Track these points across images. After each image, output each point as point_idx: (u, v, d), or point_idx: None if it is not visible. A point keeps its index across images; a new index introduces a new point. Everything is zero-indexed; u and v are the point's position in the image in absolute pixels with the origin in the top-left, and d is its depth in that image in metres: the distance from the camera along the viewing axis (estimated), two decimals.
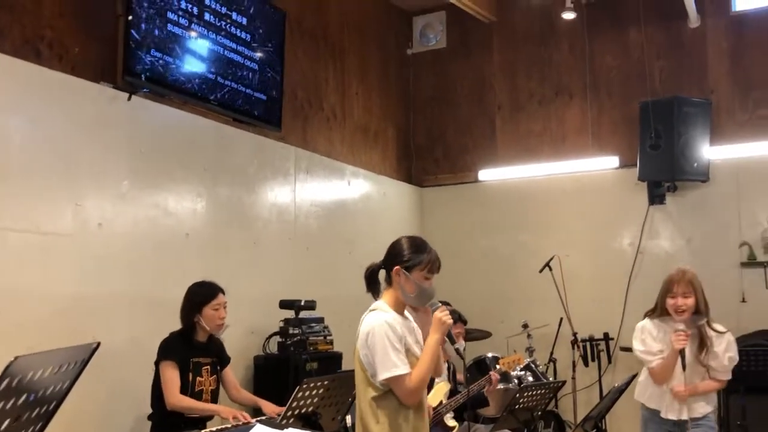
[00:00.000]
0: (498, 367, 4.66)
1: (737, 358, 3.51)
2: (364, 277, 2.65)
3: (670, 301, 3.39)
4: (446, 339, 2.59)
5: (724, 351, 3.44)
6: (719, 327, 3.48)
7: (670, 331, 3.40)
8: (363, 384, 2.53)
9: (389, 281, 2.61)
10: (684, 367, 3.31)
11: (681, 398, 3.41)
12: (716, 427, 3.61)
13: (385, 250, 2.65)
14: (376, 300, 2.62)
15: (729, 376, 3.51)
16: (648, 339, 3.51)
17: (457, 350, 2.62)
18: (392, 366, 2.44)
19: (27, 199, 3.37)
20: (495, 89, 6.55)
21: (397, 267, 2.55)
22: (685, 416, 3.42)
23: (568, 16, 5.90)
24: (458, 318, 4.63)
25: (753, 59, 5.58)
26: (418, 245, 2.62)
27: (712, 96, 5.65)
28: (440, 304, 2.60)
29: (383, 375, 2.44)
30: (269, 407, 3.63)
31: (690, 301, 3.36)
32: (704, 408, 3.49)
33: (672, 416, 3.45)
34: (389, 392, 2.48)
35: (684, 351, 3.31)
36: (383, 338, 2.45)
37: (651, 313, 3.54)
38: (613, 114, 6.04)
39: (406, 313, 2.65)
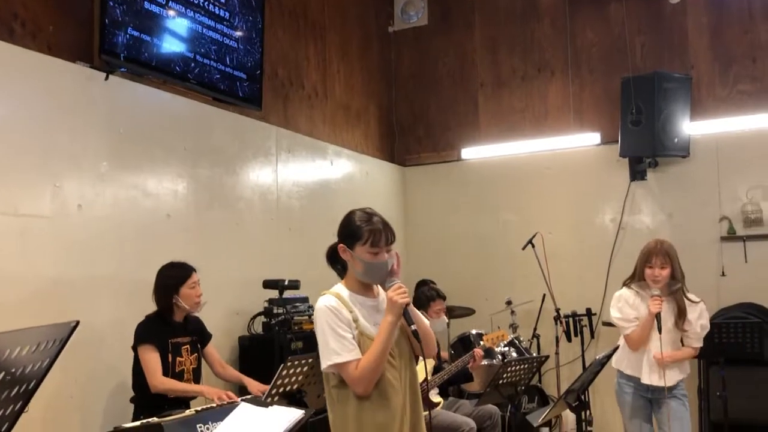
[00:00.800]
0: (482, 343, 4.70)
1: (709, 326, 3.73)
2: (327, 261, 2.51)
3: (647, 271, 3.62)
4: (404, 319, 2.34)
5: (697, 319, 3.65)
6: (693, 297, 3.69)
7: (646, 299, 3.61)
8: (324, 371, 2.40)
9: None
10: (660, 330, 3.47)
11: (660, 364, 3.57)
12: (686, 393, 3.78)
13: None
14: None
15: (701, 344, 3.70)
16: (625, 307, 3.71)
17: (414, 332, 2.32)
18: (332, 353, 2.28)
19: (4, 182, 3.31)
20: (477, 66, 6.53)
21: (340, 245, 2.40)
22: (663, 383, 3.58)
23: None
24: (436, 294, 4.66)
25: (733, 34, 5.60)
26: (362, 218, 2.38)
27: (692, 71, 5.67)
28: (396, 282, 2.34)
29: (324, 363, 2.31)
30: (254, 385, 3.64)
31: (666, 272, 3.58)
32: (678, 375, 3.69)
33: (652, 382, 3.63)
34: (344, 381, 2.33)
35: (659, 315, 3.50)
36: (323, 325, 2.31)
37: (629, 281, 3.75)
38: (595, 90, 6.06)
39: (380, 290, 2.46)
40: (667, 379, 3.61)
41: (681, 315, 3.63)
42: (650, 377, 3.64)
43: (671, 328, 3.62)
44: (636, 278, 3.71)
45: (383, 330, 2.31)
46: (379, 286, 2.47)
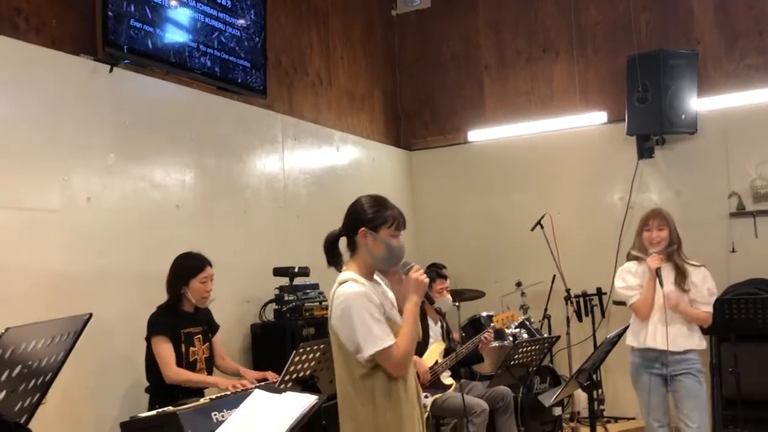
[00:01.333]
0: (492, 324, 4.71)
1: (716, 290, 3.73)
2: (324, 249, 2.46)
3: (645, 234, 3.70)
4: (425, 300, 2.42)
5: (702, 282, 3.68)
6: (694, 261, 3.74)
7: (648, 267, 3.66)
8: (344, 363, 2.35)
9: (353, 247, 2.43)
10: (662, 284, 3.55)
11: (671, 304, 3.57)
12: (702, 370, 3.72)
13: None
14: (339, 272, 2.44)
15: (710, 309, 3.69)
16: (627, 276, 3.78)
17: (438, 310, 2.48)
18: (377, 339, 2.26)
19: (12, 177, 3.33)
20: (482, 48, 6.50)
21: (362, 229, 2.37)
22: (669, 346, 3.57)
23: None
24: (436, 275, 4.68)
25: (738, 8, 5.54)
26: (380, 202, 2.43)
27: (698, 47, 5.62)
28: (413, 264, 2.41)
29: (370, 350, 2.26)
30: (250, 374, 3.67)
31: (664, 233, 3.66)
32: (688, 343, 3.65)
33: (657, 345, 3.61)
34: (377, 367, 2.31)
35: (659, 271, 3.59)
36: (361, 312, 2.27)
37: (632, 249, 3.83)
38: (600, 69, 6.01)
39: (376, 277, 2.48)
40: (676, 344, 3.59)
41: (680, 274, 3.66)
42: (656, 339, 3.62)
43: (674, 288, 3.63)
44: (637, 245, 3.78)
45: (411, 311, 2.36)
46: (376, 275, 2.47)
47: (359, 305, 2.29)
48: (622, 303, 5.51)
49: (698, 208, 5.55)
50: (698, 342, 3.72)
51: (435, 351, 4.47)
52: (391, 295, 2.48)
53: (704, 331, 4.57)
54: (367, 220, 2.39)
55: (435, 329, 4.62)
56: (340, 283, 2.37)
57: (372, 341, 2.27)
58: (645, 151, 5.74)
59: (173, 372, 3.38)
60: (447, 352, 4.47)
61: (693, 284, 3.66)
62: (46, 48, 3.57)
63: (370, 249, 2.39)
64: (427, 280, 2.39)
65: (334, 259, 2.47)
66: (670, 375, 3.67)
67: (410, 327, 2.34)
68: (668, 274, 3.67)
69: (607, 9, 5.98)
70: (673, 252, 3.69)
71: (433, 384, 4.35)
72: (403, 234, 2.45)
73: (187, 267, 3.54)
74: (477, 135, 6.46)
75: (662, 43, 5.63)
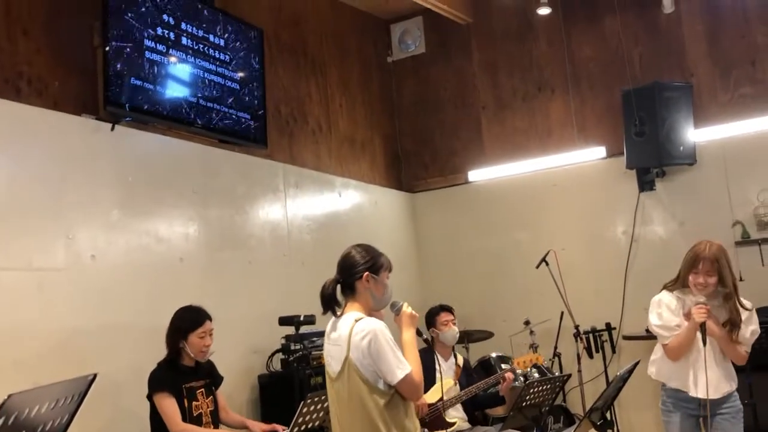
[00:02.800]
0: (513, 365, 4.65)
1: (759, 330, 3.34)
2: (321, 297, 2.66)
3: (691, 278, 3.27)
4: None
5: (746, 324, 3.29)
6: (747, 303, 3.34)
7: (689, 305, 3.27)
8: (367, 394, 2.52)
9: (351, 292, 2.67)
10: (704, 341, 3.13)
11: (700, 315, 3.16)
12: (741, 407, 3.39)
13: None
14: (335, 316, 2.68)
15: (749, 350, 3.34)
16: (665, 312, 3.35)
17: (426, 340, 2.82)
18: (403, 365, 2.50)
19: (18, 237, 3.36)
20: (478, 89, 6.58)
21: (366, 273, 2.63)
22: (712, 395, 3.22)
23: (544, 11, 5.94)
24: (440, 308, 4.70)
25: (730, 39, 5.62)
26: (373, 249, 2.73)
27: (692, 79, 5.68)
28: (402, 302, 2.70)
29: (399, 376, 2.48)
30: (257, 426, 3.63)
31: (713, 281, 3.23)
32: (727, 386, 3.31)
33: (700, 395, 3.23)
34: (394, 395, 2.53)
35: (704, 325, 3.15)
36: (386, 342, 2.50)
37: (672, 285, 3.40)
38: (596, 104, 6.07)
39: None
40: (717, 390, 3.25)
41: (732, 327, 3.26)
42: (698, 388, 3.24)
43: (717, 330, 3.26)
44: (680, 284, 3.35)
45: (411, 342, 2.63)
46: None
47: (383, 336, 2.51)
48: (632, 338, 5.52)
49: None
50: (736, 380, 3.38)
51: (438, 390, 4.41)
52: None
53: None
54: (369, 265, 2.65)
55: (445, 365, 4.58)
56: (357, 320, 2.56)
57: (400, 366, 2.50)
58: (646, 184, 5.76)
59: (180, 428, 3.34)
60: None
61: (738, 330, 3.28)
62: (49, 110, 3.63)
63: (372, 291, 2.65)
64: (417, 315, 2.69)
65: (330, 306, 2.67)
66: (708, 416, 3.29)
67: (415, 355, 2.58)
68: (718, 317, 3.28)
69: (600, 46, 6.06)
70: (728, 294, 3.27)
71: (434, 421, 4.28)
72: (398, 276, 2.82)
73: (186, 321, 3.50)
74: (477, 175, 6.50)
75: (656, 76, 5.70)
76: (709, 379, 3.21)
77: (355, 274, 2.64)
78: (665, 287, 3.45)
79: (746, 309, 3.32)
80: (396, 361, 2.50)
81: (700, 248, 3.29)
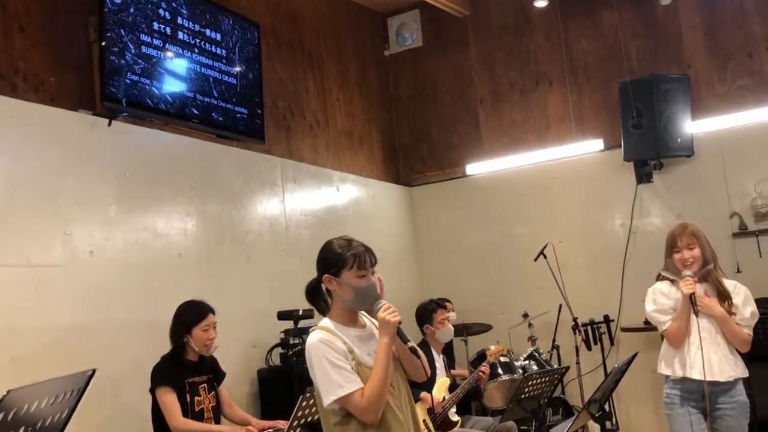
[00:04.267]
0: (488, 359, 4.70)
1: (758, 313, 3.31)
2: (306, 300, 2.44)
3: (676, 256, 3.30)
4: (400, 338, 2.32)
5: (744, 303, 3.28)
6: (730, 281, 3.36)
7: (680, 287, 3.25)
8: (321, 411, 2.32)
9: (329, 293, 2.40)
10: (696, 312, 3.14)
11: (687, 287, 3.18)
12: (748, 402, 3.29)
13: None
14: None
15: (751, 332, 3.28)
16: (659, 297, 3.37)
17: (411, 349, 2.31)
18: (335, 387, 2.20)
19: (15, 234, 3.36)
20: (475, 82, 6.57)
21: (325, 275, 2.35)
22: (715, 377, 3.16)
23: (541, 4, 5.94)
24: (437, 305, 4.67)
25: (726, 30, 5.61)
26: (340, 245, 2.38)
27: (689, 71, 5.68)
28: (384, 303, 2.33)
29: (328, 399, 2.21)
30: (259, 424, 3.63)
31: (696, 252, 3.26)
32: (732, 371, 3.22)
33: (697, 375, 3.16)
34: (348, 415, 2.25)
35: (693, 296, 3.16)
36: (320, 359, 2.22)
37: (663, 273, 3.42)
38: (594, 97, 6.07)
39: (367, 320, 2.45)
40: (724, 373, 3.17)
41: (722, 297, 3.25)
42: (698, 370, 3.16)
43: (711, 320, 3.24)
44: (670, 271, 3.36)
45: (381, 352, 2.27)
46: (364, 314, 2.44)
47: (318, 353, 2.24)
48: (630, 329, 5.53)
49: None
50: (743, 369, 3.28)
51: (442, 387, 4.43)
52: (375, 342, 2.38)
53: None
54: (328, 265, 2.36)
55: (439, 361, 4.60)
56: (311, 331, 2.35)
57: (330, 389, 2.21)
58: (643, 176, 5.76)
59: (179, 422, 3.35)
60: (452, 387, 4.44)
61: (734, 305, 3.26)
62: (45, 105, 3.62)
63: (338, 294, 2.36)
64: (396, 318, 2.28)
65: (318, 307, 2.44)
66: (714, 409, 3.21)
67: (379, 369, 2.24)
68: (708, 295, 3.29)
69: (597, 38, 6.06)
70: (709, 271, 3.29)
71: (442, 422, 4.30)
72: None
73: (189, 315, 3.52)
74: (475, 168, 6.50)
75: (653, 68, 5.70)
76: (712, 361, 3.17)
77: (320, 276, 2.38)
78: (658, 277, 3.46)
79: (726, 278, 3.35)
80: (326, 382, 2.21)
81: (674, 228, 3.37)
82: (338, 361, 2.24)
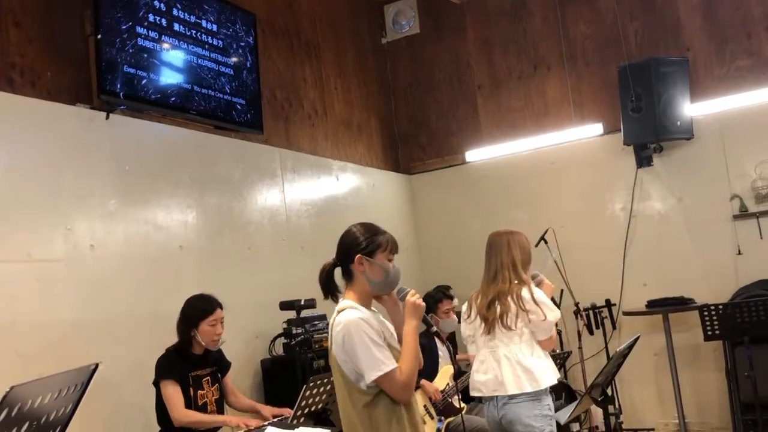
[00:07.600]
0: None
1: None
2: (319, 282, 2.45)
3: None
4: (423, 323, 2.45)
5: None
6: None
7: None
8: (347, 392, 2.33)
9: (349, 276, 2.43)
10: None
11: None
12: None
13: None
14: (336, 303, 2.44)
15: None
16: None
17: (436, 333, 2.50)
18: (380, 363, 2.24)
19: (16, 229, 3.36)
20: (473, 69, 6.55)
21: (358, 255, 2.38)
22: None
23: None
24: (443, 295, 4.68)
25: (725, 12, 5.58)
26: (372, 228, 2.46)
27: (688, 53, 5.65)
28: (409, 289, 2.43)
29: (372, 375, 2.24)
30: (268, 410, 3.63)
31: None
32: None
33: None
34: (380, 394, 2.29)
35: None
36: (362, 337, 2.25)
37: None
38: (593, 81, 6.05)
39: (373, 308, 2.48)
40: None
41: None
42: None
43: None
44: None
45: (411, 334, 2.35)
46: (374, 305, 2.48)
47: (360, 330, 2.27)
48: (632, 313, 5.55)
49: (701, 213, 5.55)
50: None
51: (445, 374, 4.45)
52: (389, 324, 2.47)
53: (716, 336, 4.56)
54: (362, 247, 2.40)
55: (443, 349, 4.61)
56: (339, 312, 2.37)
57: (376, 365, 2.25)
58: (643, 160, 5.75)
59: (182, 414, 3.36)
60: (456, 375, 4.45)
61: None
62: (43, 100, 3.61)
63: (367, 275, 2.39)
64: (423, 304, 2.40)
65: (330, 291, 2.47)
66: None
67: (411, 350, 2.33)
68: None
69: (595, 22, 6.03)
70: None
71: (446, 407, 4.32)
72: (397, 258, 2.48)
73: (197, 309, 3.49)
74: (474, 155, 6.49)
75: (652, 51, 5.67)
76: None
77: (349, 257, 2.40)
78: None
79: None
80: (370, 359, 2.23)
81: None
82: (378, 339, 2.29)
